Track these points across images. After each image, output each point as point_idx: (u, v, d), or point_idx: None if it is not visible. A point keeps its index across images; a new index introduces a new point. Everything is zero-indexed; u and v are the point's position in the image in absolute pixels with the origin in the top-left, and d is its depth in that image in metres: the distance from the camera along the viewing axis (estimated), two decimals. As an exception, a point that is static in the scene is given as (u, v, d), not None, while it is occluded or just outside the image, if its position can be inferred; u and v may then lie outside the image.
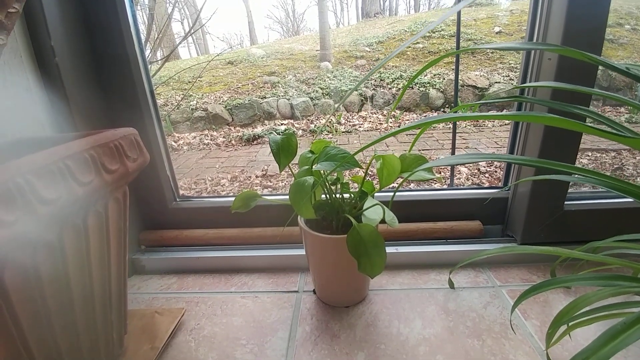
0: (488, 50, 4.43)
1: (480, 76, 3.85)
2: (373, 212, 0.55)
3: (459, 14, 1.02)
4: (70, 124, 0.62)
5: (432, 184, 1.90)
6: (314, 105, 3.87)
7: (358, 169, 0.54)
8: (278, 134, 3.25)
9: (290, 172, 0.58)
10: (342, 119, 3.59)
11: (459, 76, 3.82)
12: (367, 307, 0.63)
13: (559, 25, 0.59)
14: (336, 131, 3.27)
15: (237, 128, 3.63)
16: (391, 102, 3.86)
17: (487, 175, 2.04)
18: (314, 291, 0.67)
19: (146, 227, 0.82)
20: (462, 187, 1.82)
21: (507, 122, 3.19)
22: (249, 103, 3.76)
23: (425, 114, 3.67)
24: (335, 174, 0.61)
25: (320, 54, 5.11)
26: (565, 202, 0.71)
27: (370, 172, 1.90)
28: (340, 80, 4.26)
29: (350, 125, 3.39)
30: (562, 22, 0.59)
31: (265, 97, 3.91)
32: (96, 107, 0.69)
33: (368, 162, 0.57)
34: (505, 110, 3.24)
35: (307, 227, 0.59)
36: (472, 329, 0.57)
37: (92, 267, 0.43)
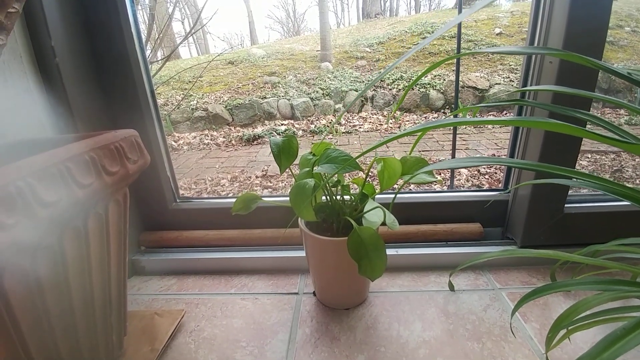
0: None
1: (481, 77, 3.85)
2: (374, 215, 0.55)
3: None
4: (70, 124, 0.62)
5: (433, 186, 1.90)
6: (314, 105, 3.87)
7: (359, 171, 0.54)
8: (278, 134, 3.26)
9: (290, 173, 0.58)
10: (342, 119, 3.59)
11: (459, 77, 3.83)
12: (367, 309, 0.63)
13: (561, 27, 0.59)
14: (336, 132, 3.27)
15: (238, 128, 3.63)
16: (391, 102, 3.86)
17: (487, 176, 2.04)
18: (314, 293, 0.67)
19: (146, 228, 0.82)
20: (462, 189, 1.82)
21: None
22: (249, 103, 3.76)
23: (425, 115, 3.67)
24: (336, 176, 0.61)
25: (320, 55, 5.11)
26: (566, 205, 0.71)
27: (370, 174, 1.90)
28: (341, 80, 4.26)
29: (350, 126, 3.39)
30: (564, 25, 0.58)
31: (265, 97, 3.91)
32: (96, 107, 0.69)
33: (369, 164, 0.57)
34: (505, 112, 3.25)
35: (308, 229, 0.59)
36: (472, 331, 0.57)
37: (92, 269, 0.43)
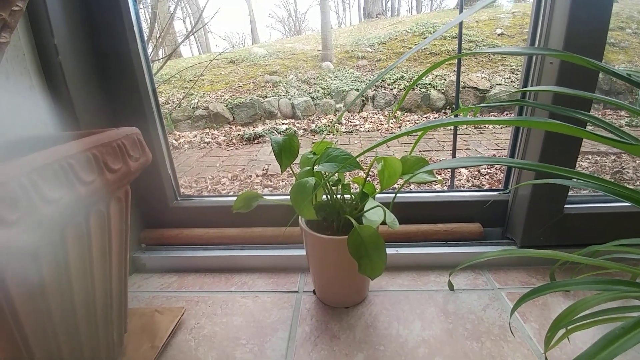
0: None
1: (482, 78, 3.85)
2: (374, 214, 0.55)
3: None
4: (72, 122, 0.62)
5: (433, 186, 1.90)
6: (315, 105, 3.87)
7: (359, 170, 0.54)
8: (279, 133, 3.26)
9: (291, 172, 0.59)
10: (342, 119, 3.59)
11: (460, 77, 3.82)
12: (366, 308, 0.63)
13: (561, 28, 0.59)
14: (337, 131, 3.27)
15: (238, 127, 3.63)
16: (392, 102, 3.86)
17: (487, 177, 2.04)
18: (314, 291, 0.67)
19: (147, 226, 0.82)
20: (462, 189, 1.82)
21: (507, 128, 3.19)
22: (250, 102, 3.76)
23: (426, 115, 3.67)
24: (337, 175, 0.61)
25: (321, 54, 5.11)
26: (566, 206, 0.71)
27: (371, 173, 1.90)
28: (342, 80, 4.26)
29: (351, 126, 3.39)
30: (564, 26, 0.59)
31: (266, 97, 3.91)
32: (98, 105, 0.69)
33: (369, 163, 0.58)
34: (506, 113, 3.24)
35: (308, 227, 0.59)
36: (471, 331, 0.58)
37: (94, 266, 0.43)
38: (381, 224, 0.55)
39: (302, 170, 0.59)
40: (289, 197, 0.53)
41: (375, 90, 3.92)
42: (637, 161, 2.21)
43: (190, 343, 0.58)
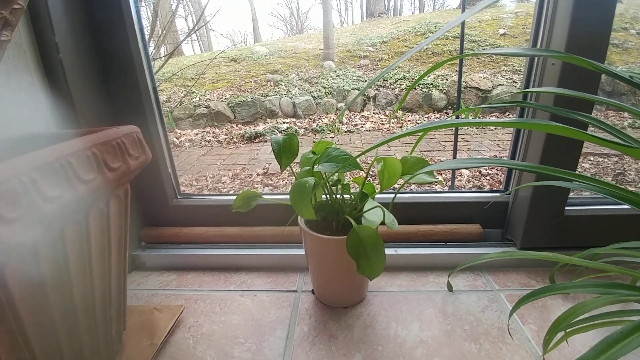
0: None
1: (484, 78, 3.84)
2: (373, 214, 0.55)
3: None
4: (73, 120, 0.62)
5: (433, 186, 1.90)
6: (316, 104, 3.87)
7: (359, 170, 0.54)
8: (280, 132, 3.26)
9: (291, 171, 0.59)
10: (344, 118, 3.59)
11: (462, 77, 3.82)
12: (365, 308, 0.63)
13: (563, 29, 0.59)
14: (338, 130, 3.27)
15: (239, 125, 3.63)
16: (394, 102, 3.86)
17: (488, 177, 2.04)
18: (312, 291, 0.67)
19: (147, 224, 0.82)
20: (462, 190, 1.82)
21: (509, 124, 3.18)
22: (251, 101, 3.76)
23: (427, 115, 3.66)
24: (336, 175, 0.61)
25: (323, 53, 5.10)
26: (566, 207, 0.71)
27: (371, 172, 1.90)
28: (343, 79, 4.25)
29: (352, 125, 3.39)
30: (567, 27, 0.58)
31: (267, 95, 3.91)
32: (99, 103, 0.69)
33: (369, 164, 0.57)
34: (508, 114, 3.24)
35: (307, 227, 0.59)
36: (470, 332, 0.57)
37: (93, 264, 0.43)
38: (380, 224, 0.55)
39: (302, 169, 0.59)
40: (288, 196, 0.53)
41: (376, 89, 3.91)
42: None
43: (189, 341, 0.58)
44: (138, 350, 0.54)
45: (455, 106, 3.70)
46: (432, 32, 5.28)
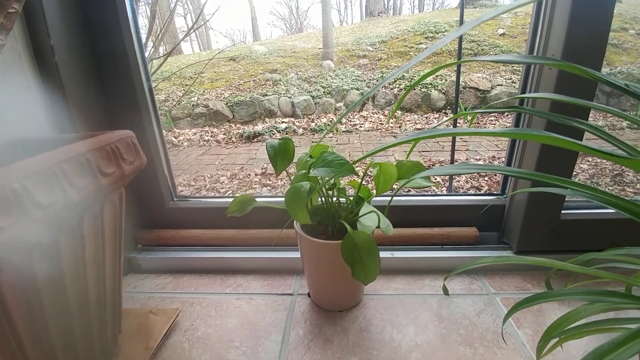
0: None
1: (483, 78, 3.85)
2: (368, 219, 0.55)
3: (461, 20, 1.02)
4: (69, 123, 0.62)
5: (431, 188, 1.90)
6: (315, 104, 3.87)
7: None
8: (279, 132, 3.25)
9: (286, 173, 0.59)
10: (342, 118, 3.59)
11: (461, 78, 3.81)
12: (361, 311, 0.63)
13: (561, 30, 0.59)
14: (336, 130, 3.27)
15: (238, 125, 3.62)
16: (392, 102, 3.85)
17: (486, 178, 2.04)
18: (308, 294, 0.67)
19: (143, 226, 0.82)
20: (459, 193, 1.82)
21: (508, 125, 3.18)
22: (250, 100, 3.76)
23: (426, 115, 3.66)
24: (333, 179, 0.61)
25: (322, 52, 5.10)
26: (562, 212, 0.71)
27: (369, 172, 1.90)
28: (342, 79, 4.25)
29: (351, 125, 3.39)
30: (565, 26, 0.58)
31: (266, 95, 3.90)
32: (95, 105, 0.69)
33: (365, 168, 0.57)
34: (507, 115, 3.23)
35: (303, 231, 0.59)
36: (465, 336, 0.58)
37: (87, 269, 0.43)
38: (376, 228, 0.55)
39: (298, 173, 0.59)
40: (284, 199, 0.53)
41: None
42: (637, 164, 2.20)
43: (184, 345, 0.58)
44: (133, 354, 0.54)
45: (454, 106, 3.70)
46: (432, 32, 5.28)
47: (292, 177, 0.59)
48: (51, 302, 0.39)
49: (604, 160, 2.26)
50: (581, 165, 2.20)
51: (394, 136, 3.15)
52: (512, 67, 4.07)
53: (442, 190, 1.89)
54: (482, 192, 1.86)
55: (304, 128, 3.42)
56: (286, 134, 3.31)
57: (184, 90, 4.12)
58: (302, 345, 0.57)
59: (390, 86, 3.96)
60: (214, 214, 0.80)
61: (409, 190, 1.65)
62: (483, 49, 4.65)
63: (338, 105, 3.90)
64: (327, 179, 0.50)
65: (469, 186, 1.98)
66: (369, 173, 0.57)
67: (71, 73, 0.62)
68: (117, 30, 0.66)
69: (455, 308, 0.64)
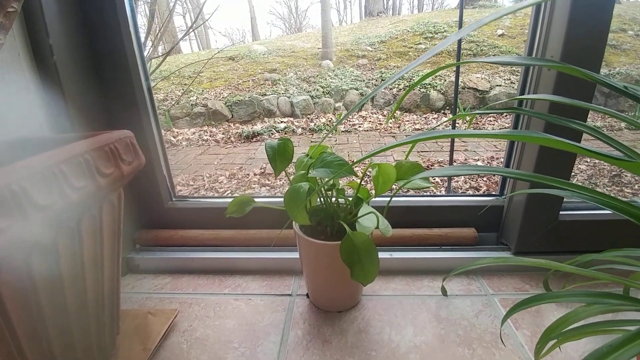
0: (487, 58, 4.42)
1: (482, 79, 3.85)
2: (367, 220, 0.55)
3: (460, 21, 1.02)
4: (67, 122, 0.62)
5: (430, 189, 1.90)
6: (314, 103, 3.86)
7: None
8: (278, 131, 3.25)
9: (285, 174, 0.59)
10: (341, 117, 3.58)
11: (460, 78, 3.82)
12: (359, 312, 0.63)
13: (560, 30, 0.59)
14: (335, 130, 3.26)
15: (237, 125, 3.62)
16: (392, 102, 3.86)
17: (484, 179, 2.04)
18: (307, 295, 0.67)
19: (142, 226, 0.82)
20: (457, 194, 1.82)
21: (506, 125, 3.19)
22: (249, 100, 3.75)
23: (425, 115, 3.67)
24: (331, 180, 0.61)
25: (322, 52, 5.10)
26: (560, 212, 0.71)
27: (368, 172, 1.90)
28: (342, 79, 4.25)
29: (350, 125, 3.39)
30: (564, 27, 0.58)
31: (265, 95, 3.90)
32: (93, 105, 0.69)
33: (364, 169, 0.57)
34: (506, 115, 3.24)
35: (302, 232, 0.59)
36: (463, 337, 0.58)
37: (86, 269, 0.43)
38: (375, 229, 0.55)
39: (297, 173, 0.59)
40: (282, 200, 0.53)
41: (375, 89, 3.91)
42: (635, 165, 2.20)
43: (183, 346, 0.58)
44: (132, 355, 0.54)
45: (452, 106, 3.70)
46: (431, 32, 5.28)
47: (291, 177, 0.59)
48: (49, 303, 0.38)
49: (602, 161, 2.27)
50: (579, 166, 2.21)
51: (393, 136, 3.15)
52: (511, 68, 4.07)
53: (440, 191, 1.89)
54: (481, 192, 1.87)
55: (303, 128, 3.42)
56: (285, 133, 3.31)
57: (182, 89, 4.11)
58: (300, 346, 0.57)
59: (390, 86, 3.96)
60: (213, 214, 0.80)
61: (408, 191, 1.65)
62: (482, 50, 4.66)
63: (337, 105, 3.90)
64: (327, 179, 0.50)
65: (467, 187, 1.99)
66: (368, 174, 0.57)
67: (70, 72, 0.62)
68: (116, 29, 0.66)
69: (454, 309, 0.64)
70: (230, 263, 0.76)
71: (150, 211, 0.81)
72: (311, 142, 3.05)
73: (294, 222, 0.61)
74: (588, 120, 0.60)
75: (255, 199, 0.63)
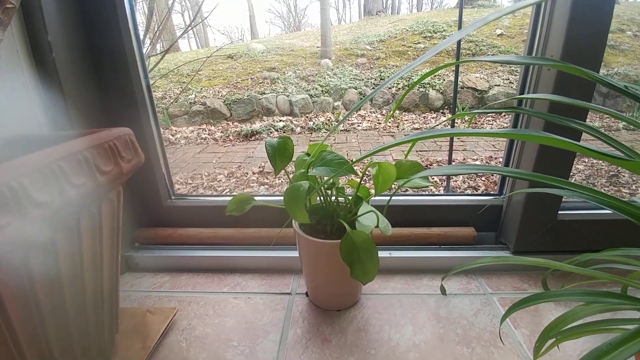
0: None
1: (480, 79, 3.85)
2: (367, 219, 0.55)
3: (460, 20, 1.02)
4: (66, 119, 0.61)
5: (429, 188, 1.90)
6: (313, 102, 3.86)
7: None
8: (276, 130, 3.25)
9: (285, 172, 0.59)
10: (340, 117, 3.59)
11: (459, 78, 3.82)
12: (359, 311, 0.63)
13: (561, 30, 0.59)
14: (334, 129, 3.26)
15: (235, 123, 3.61)
16: (390, 101, 3.86)
17: (483, 178, 2.05)
18: (306, 294, 0.67)
19: (141, 225, 0.82)
20: (457, 193, 1.83)
21: (505, 125, 3.20)
22: (247, 98, 3.75)
23: (424, 115, 3.67)
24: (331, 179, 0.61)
25: (321, 51, 5.09)
26: (559, 212, 0.71)
27: (367, 173, 1.90)
28: (340, 78, 4.24)
29: (349, 124, 3.39)
30: (564, 27, 0.58)
31: (264, 93, 3.89)
32: (92, 103, 0.68)
33: (364, 168, 0.57)
34: (504, 115, 3.25)
35: (302, 230, 0.59)
36: (462, 336, 0.58)
37: (85, 267, 0.43)
38: (375, 228, 0.55)
39: (297, 172, 0.58)
40: (282, 199, 0.53)
41: (373, 89, 3.91)
42: (632, 165, 2.21)
43: (182, 344, 0.58)
44: (130, 354, 0.54)
45: (451, 106, 3.70)
46: (430, 32, 5.28)
47: (290, 176, 0.59)
48: (48, 301, 0.38)
49: (600, 161, 2.28)
50: (577, 166, 2.22)
51: (392, 136, 3.15)
52: (510, 67, 4.08)
53: (439, 190, 1.90)
54: (480, 192, 1.87)
55: (301, 127, 3.42)
56: (284, 132, 3.31)
57: (181, 87, 4.10)
58: (300, 345, 0.57)
59: (388, 86, 3.96)
60: (212, 213, 0.80)
61: (407, 190, 1.66)
62: (481, 49, 4.66)
63: (336, 104, 3.90)
64: (327, 178, 0.50)
65: (466, 186, 1.99)
66: (368, 173, 0.57)
67: (69, 69, 0.62)
68: (115, 26, 0.66)
69: (453, 308, 0.64)
70: (229, 261, 0.76)
71: (149, 209, 0.81)
72: (310, 140, 3.05)
73: (293, 221, 0.61)
74: (586, 121, 0.60)
75: (255, 198, 0.63)
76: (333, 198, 0.61)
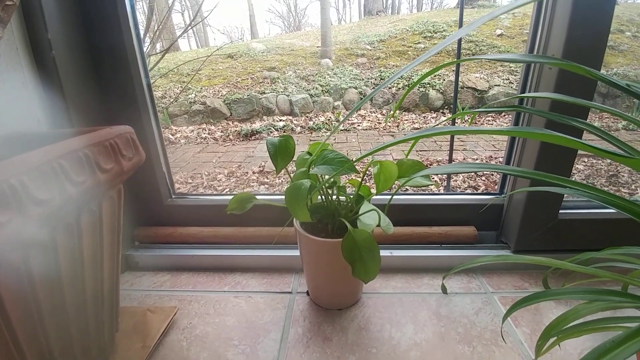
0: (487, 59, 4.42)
1: (480, 79, 3.85)
2: (369, 217, 0.55)
3: (460, 20, 1.02)
4: (66, 118, 0.61)
5: (429, 188, 1.90)
6: (313, 102, 3.86)
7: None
8: (276, 130, 3.24)
9: (285, 171, 0.58)
10: (340, 116, 3.59)
11: (459, 78, 3.82)
12: (360, 310, 0.63)
13: (562, 31, 0.59)
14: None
15: (235, 123, 3.61)
16: (391, 101, 3.86)
17: (483, 178, 2.04)
18: (307, 293, 0.67)
19: (141, 224, 0.82)
20: (457, 192, 1.83)
21: (505, 125, 3.20)
22: (247, 98, 3.74)
23: (424, 115, 3.67)
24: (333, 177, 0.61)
25: (321, 51, 5.09)
26: (560, 211, 0.71)
27: (368, 172, 1.90)
28: (341, 78, 4.24)
29: (349, 124, 3.39)
30: (565, 27, 0.58)
31: (264, 93, 3.89)
32: (92, 101, 0.68)
33: (365, 166, 0.57)
34: (505, 115, 3.25)
35: (303, 229, 0.59)
36: (463, 335, 0.58)
37: (85, 266, 0.43)
38: (376, 226, 0.55)
39: (298, 171, 0.58)
40: (283, 197, 0.53)
41: (373, 88, 3.91)
42: (632, 165, 2.21)
43: (182, 343, 0.57)
44: (131, 353, 0.54)
45: (451, 106, 3.70)
46: (430, 32, 5.28)
47: (291, 175, 0.59)
48: (48, 300, 0.38)
49: (600, 161, 2.28)
50: (577, 166, 2.22)
51: (392, 135, 3.15)
52: (510, 68, 4.08)
53: (440, 190, 1.90)
54: (480, 191, 1.87)
55: (301, 126, 3.41)
56: (284, 132, 3.31)
57: (181, 87, 4.10)
58: (301, 344, 0.57)
59: (389, 85, 3.96)
60: (212, 212, 0.80)
61: (407, 189, 1.66)
62: (481, 49, 4.66)
63: (336, 103, 3.90)
64: (328, 177, 0.50)
65: (466, 186, 1.99)
66: (369, 171, 0.57)
67: (69, 68, 0.62)
68: (115, 24, 0.66)
69: (454, 307, 0.64)
70: (230, 260, 0.76)
71: (149, 208, 0.80)
72: (310, 140, 3.05)
73: (294, 220, 0.61)
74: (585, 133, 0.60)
75: (256, 197, 0.63)
76: (334, 197, 0.61)
